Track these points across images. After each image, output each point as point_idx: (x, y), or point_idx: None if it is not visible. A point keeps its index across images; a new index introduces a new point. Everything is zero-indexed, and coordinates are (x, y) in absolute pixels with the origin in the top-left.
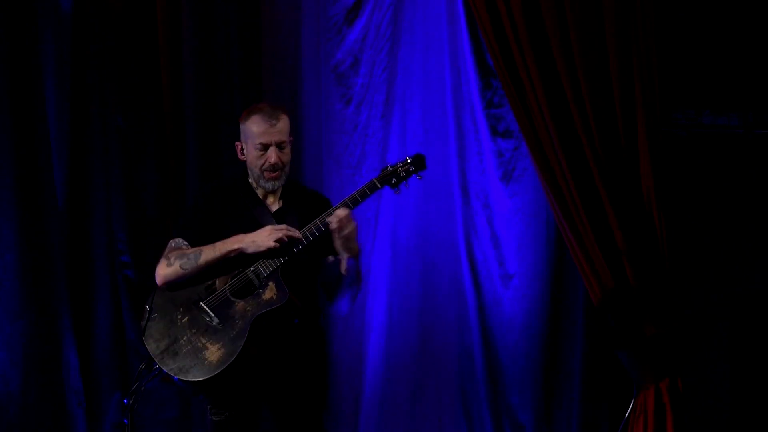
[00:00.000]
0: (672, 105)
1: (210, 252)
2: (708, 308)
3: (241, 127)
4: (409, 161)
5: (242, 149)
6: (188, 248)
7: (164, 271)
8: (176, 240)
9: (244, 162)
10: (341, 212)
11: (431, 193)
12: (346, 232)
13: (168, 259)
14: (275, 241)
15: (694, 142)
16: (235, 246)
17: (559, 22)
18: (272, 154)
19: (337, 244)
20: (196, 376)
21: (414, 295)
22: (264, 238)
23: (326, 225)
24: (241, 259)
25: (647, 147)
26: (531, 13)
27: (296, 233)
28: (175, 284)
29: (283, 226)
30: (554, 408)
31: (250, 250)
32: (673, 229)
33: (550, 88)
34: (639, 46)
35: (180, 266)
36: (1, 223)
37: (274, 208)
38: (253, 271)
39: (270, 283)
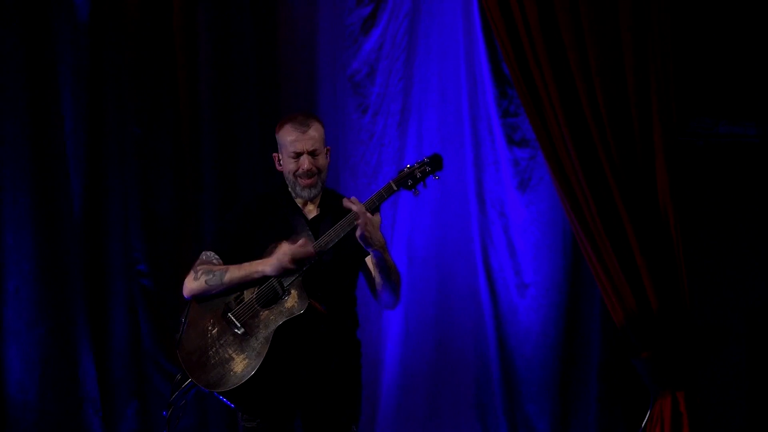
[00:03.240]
0: (688, 114)
1: (235, 272)
2: (725, 318)
3: (277, 138)
4: (426, 162)
5: (279, 160)
6: (216, 264)
7: (191, 284)
8: (207, 253)
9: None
10: (358, 207)
11: (447, 202)
12: (364, 224)
13: (196, 272)
14: (290, 263)
15: (711, 151)
16: (258, 268)
17: (575, 30)
18: (305, 161)
19: (360, 239)
20: (224, 387)
21: (430, 303)
22: (283, 261)
23: (344, 231)
24: (264, 280)
25: (663, 156)
26: (547, 22)
27: (309, 250)
28: (200, 298)
29: (299, 244)
30: (571, 417)
31: (271, 273)
32: (689, 238)
33: (566, 96)
34: (655, 54)
35: (205, 281)
36: (19, 233)
37: (312, 215)
38: (276, 279)
39: (292, 291)
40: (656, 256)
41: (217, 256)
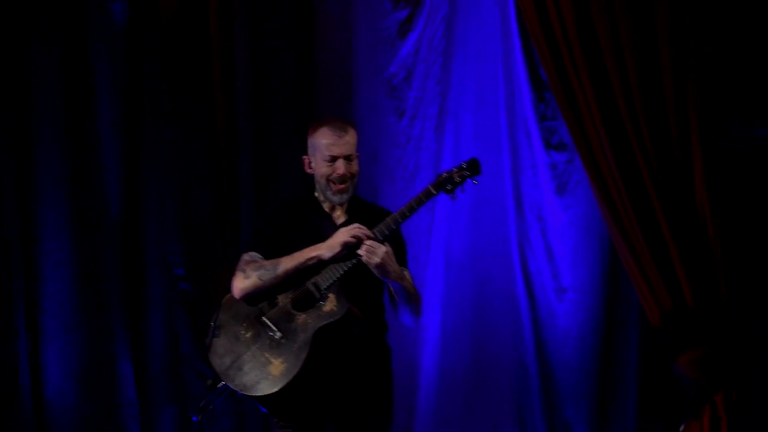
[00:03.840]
0: (726, 116)
1: (288, 262)
2: (764, 321)
3: (309, 140)
4: (464, 166)
5: (310, 163)
6: (264, 260)
7: (242, 284)
8: (250, 254)
9: (311, 176)
10: (366, 245)
11: (485, 206)
12: (375, 260)
13: (244, 271)
14: (350, 237)
15: (748, 154)
16: (313, 254)
17: (612, 34)
18: (340, 166)
19: (374, 271)
20: (261, 391)
21: (468, 308)
22: (339, 237)
23: (385, 234)
24: (319, 266)
25: (701, 159)
26: (583, 25)
27: (367, 231)
28: (253, 296)
29: (355, 225)
30: (609, 422)
31: (327, 255)
32: (727, 242)
33: (603, 100)
34: (692, 57)
35: (258, 277)
36: (56, 237)
37: (340, 221)
38: (313, 283)
39: (330, 295)
40: (694, 259)
41: (259, 256)
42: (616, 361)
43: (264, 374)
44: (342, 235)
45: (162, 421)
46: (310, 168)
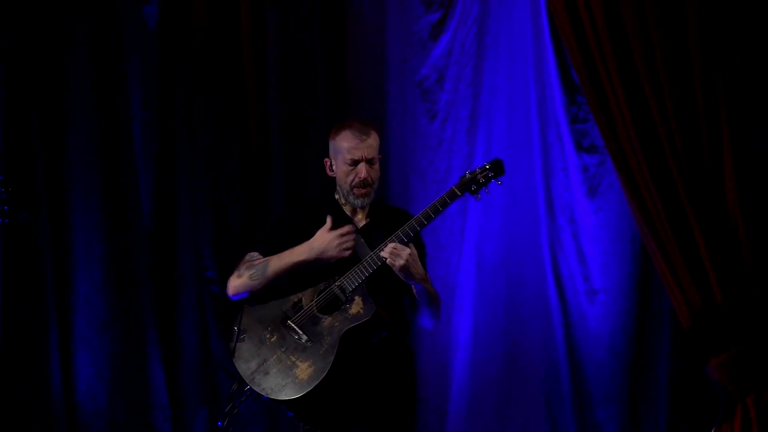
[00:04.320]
0: (756, 120)
1: (276, 262)
2: None
3: (331, 143)
4: (487, 167)
5: (331, 165)
6: (258, 260)
7: (234, 282)
8: (250, 253)
9: (332, 178)
10: (390, 247)
11: (516, 208)
12: (400, 262)
13: (239, 270)
14: (345, 249)
15: None
16: (302, 258)
17: (643, 36)
18: (362, 169)
19: (399, 274)
20: (287, 395)
21: (499, 310)
22: (333, 248)
23: (410, 235)
24: (312, 269)
25: (732, 161)
26: (615, 27)
27: (351, 229)
28: (244, 295)
29: (345, 229)
30: (640, 424)
31: (319, 261)
32: (758, 243)
33: (635, 102)
34: (723, 60)
35: (249, 277)
36: (89, 239)
37: (362, 224)
38: (338, 286)
39: (356, 298)
40: (725, 262)
41: (259, 255)
42: (647, 363)
43: (290, 378)
44: (338, 248)
45: (194, 423)
46: (332, 171)
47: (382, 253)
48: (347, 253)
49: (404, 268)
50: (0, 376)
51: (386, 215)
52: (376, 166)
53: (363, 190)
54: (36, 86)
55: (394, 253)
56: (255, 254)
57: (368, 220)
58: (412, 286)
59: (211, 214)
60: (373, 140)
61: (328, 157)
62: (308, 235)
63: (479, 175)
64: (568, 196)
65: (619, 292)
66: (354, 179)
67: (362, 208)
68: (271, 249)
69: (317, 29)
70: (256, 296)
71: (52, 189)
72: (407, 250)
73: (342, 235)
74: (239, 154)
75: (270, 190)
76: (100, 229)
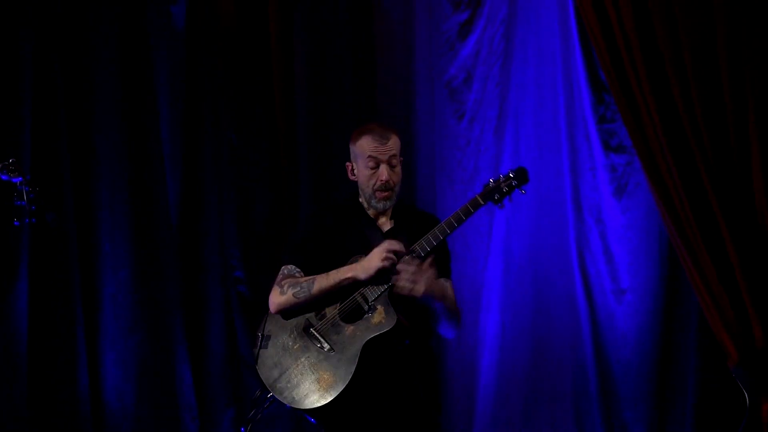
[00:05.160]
0: None
1: (323, 281)
2: None
3: (352, 147)
4: (511, 176)
5: (353, 169)
6: (301, 276)
7: (278, 299)
8: (288, 267)
9: (355, 182)
10: (404, 277)
11: (544, 208)
12: (419, 291)
13: (281, 287)
14: (383, 260)
15: None
16: (349, 275)
17: (671, 35)
18: (384, 171)
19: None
20: (309, 404)
21: (527, 310)
22: (374, 261)
23: (428, 249)
24: (355, 286)
25: (760, 160)
26: (643, 28)
27: (400, 247)
28: (288, 312)
29: (392, 246)
30: (667, 424)
31: (362, 276)
32: None
33: (663, 103)
34: (751, 58)
35: (293, 295)
36: (116, 240)
37: (386, 228)
38: (361, 295)
39: (378, 307)
40: (754, 262)
41: (297, 269)
42: (674, 363)
43: (313, 387)
44: (376, 260)
45: (222, 424)
46: (353, 175)
47: (398, 284)
48: (383, 263)
49: (422, 293)
50: (28, 377)
51: (412, 219)
52: (398, 168)
53: (384, 194)
54: (63, 86)
55: (411, 280)
56: (292, 267)
57: (393, 223)
58: (434, 305)
59: (238, 214)
60: (394, 143)
61: (349, 161)
62: (335, 239)
63: (503, 184)
64: (596, 196)
65: (646, 292)
66: (376, 182)
67: (384, 211)
68: (304, 259)
69: (345, 29)
70: (297, 313)
71: (79, 189)
72: (426, 274)
73: (389, 251)
74: (266, 154)
75: (297, 189)
76: (127, 229)
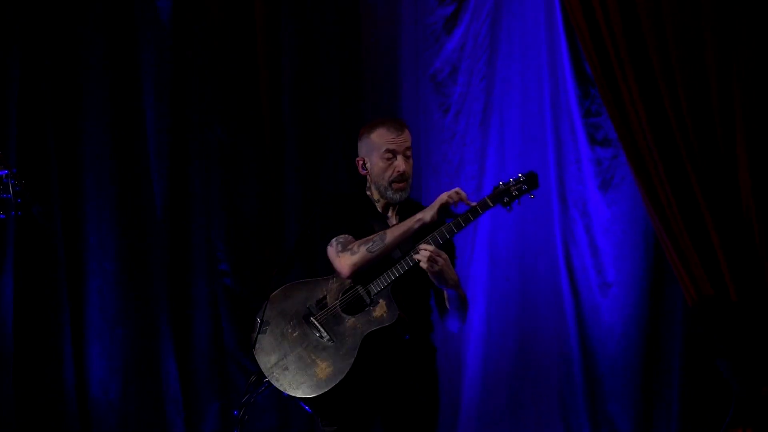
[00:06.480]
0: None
1: (395, 230)
2: None
3: (363, 142)
4: (522, 179)
5: (364, 164)
6: (370, 236)
7: (351, 260)
8: (342, 236)
9: (362, 177)
10: (426, 251)
11: (529, 202)
12: (436, 268)
13: (349, 250)
14: (449, 196)
15: None
16: (417, 217)
17: (657, 29)
18: (401, 162)
19: (432, 279)
20: (304, 393)
21: (512, 303)
22: (440, 198)
23: (443, 239)
24: (423, 231)
25: (746, 153)
26: (629, 21)
27: (463, 194)
28: (362, 269)
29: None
30: (654, 416)
31: (428, 217)
32: None
33: (649, 96)
34: (738, 51)
35: (367, 250)
36: (102, 233)
37: (393, 221)
38: (363, 287)
39: (381, 301)
40: (738, 253)
41: (351, 236)
42: (660, 356)
43: (308, 376)
44: (443, 196)
45: (207, 416)
46: (365, 169)
47: (417, 256)
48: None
49: (438, 274)
50: (14, 369)
51: (415, 213)
52: (411, 161)
53: (401, 185)
54: (49, 79)
55: (431, 258)
56: (347, 235)
57: (398, 218)
58: (445, 291)
59: (224, 207)
60: (407, 135)
61: (359, 156)
62: (352, 228)
63: (512, 188)
64: (582, 189)
65: (632, 285)
66: (393, 174)
67: (399, 203)
68: (346, 230)
69: (331, 23)
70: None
71: (65, 182)
72: (443, 255)
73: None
74: (253, 148)
75: (283, 181)
76: (112, 223)
